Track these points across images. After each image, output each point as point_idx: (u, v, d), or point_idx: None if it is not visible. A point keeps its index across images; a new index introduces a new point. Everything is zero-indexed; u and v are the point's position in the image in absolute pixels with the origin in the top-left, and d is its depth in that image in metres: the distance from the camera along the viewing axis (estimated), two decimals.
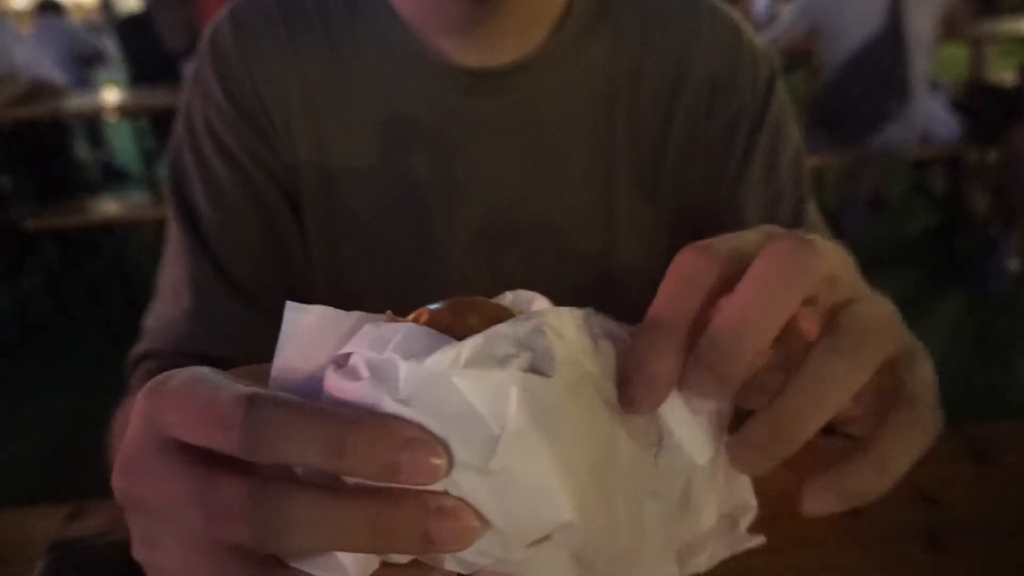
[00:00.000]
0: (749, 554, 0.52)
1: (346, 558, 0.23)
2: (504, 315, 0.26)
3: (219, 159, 0.61)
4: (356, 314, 0.26)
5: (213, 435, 0.23)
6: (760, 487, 0.57)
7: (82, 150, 4.16)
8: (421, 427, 0.22)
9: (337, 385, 0.24)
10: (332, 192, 0.62)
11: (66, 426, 2.25)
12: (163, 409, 0.24)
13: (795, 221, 0.64)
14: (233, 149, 0.61)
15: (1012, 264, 2.74)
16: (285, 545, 0.22)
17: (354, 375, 0.23)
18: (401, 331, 0.23)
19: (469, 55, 0.60)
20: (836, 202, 3.05)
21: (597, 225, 0.64)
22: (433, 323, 0.25)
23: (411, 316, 0.26)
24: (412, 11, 0.60)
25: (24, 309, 3.09)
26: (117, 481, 0.25)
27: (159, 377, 0.25)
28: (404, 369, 0.23)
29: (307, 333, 0.25)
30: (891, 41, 2.59)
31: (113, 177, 4.48)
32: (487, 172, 0.62)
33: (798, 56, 2.92)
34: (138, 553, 0.26)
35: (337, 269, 0.64)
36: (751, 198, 0.63)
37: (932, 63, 2.71)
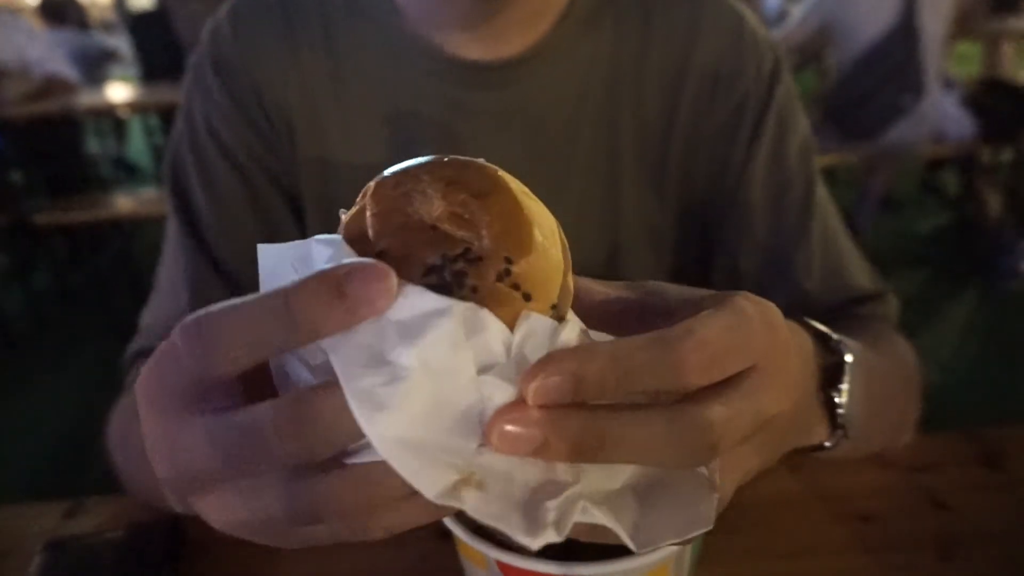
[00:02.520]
0: (757, 561, 0.52)
1: None
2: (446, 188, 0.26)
3: (219, 158, 0.61)
4: (312, 240, 0.27)
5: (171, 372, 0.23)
6: (767, 495, 0.56)
7: (94, 146, 4.18)
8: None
9: None
10: (333, 190, 0.61)
11: (72, 421, 2.25)
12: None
13: (803, 210, 0.63)
14: (232, 148, 0.60)
15: None
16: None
17: None
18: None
19: (471, 48, 0.59)
20: (847, 200, 3.02)
21: (603, 219, 0.63)
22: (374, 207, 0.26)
23: (359, 198, 0.27)
24: (415, 5, 0.59)
25: (33, 304, 3.11)
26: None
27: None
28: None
29: (280, 266, 0.26)
30: (904, 37, 2.57)
31: (124, 172, 4.51)
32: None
33: (809, 54, 2.90)
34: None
35: None
36: (757, 187, 0.62)
37: (946, 60, 2.68)
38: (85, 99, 3.28)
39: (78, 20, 4.34)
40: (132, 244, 3.35)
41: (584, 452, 0.23)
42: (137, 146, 4.71)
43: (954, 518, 0.56)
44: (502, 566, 0.38)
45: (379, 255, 0.24)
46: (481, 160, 0.28)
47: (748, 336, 0.25)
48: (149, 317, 0.63)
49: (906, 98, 2.61)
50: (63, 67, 3.39)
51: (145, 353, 0.62)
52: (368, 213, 0.26)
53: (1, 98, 2.95)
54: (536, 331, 0.24)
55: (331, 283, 0.22)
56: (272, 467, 0.23)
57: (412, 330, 0.22)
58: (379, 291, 0.22)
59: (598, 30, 0.61)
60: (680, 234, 0.65)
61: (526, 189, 0.28)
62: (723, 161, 0.63)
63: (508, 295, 0.24)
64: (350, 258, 0.23)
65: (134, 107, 3.47)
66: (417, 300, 0.22)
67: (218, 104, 0.60)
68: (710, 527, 0.24)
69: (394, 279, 0.22)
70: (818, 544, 0.53)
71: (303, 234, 0.63)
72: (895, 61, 2.58)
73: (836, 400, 0.41)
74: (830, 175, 3.08)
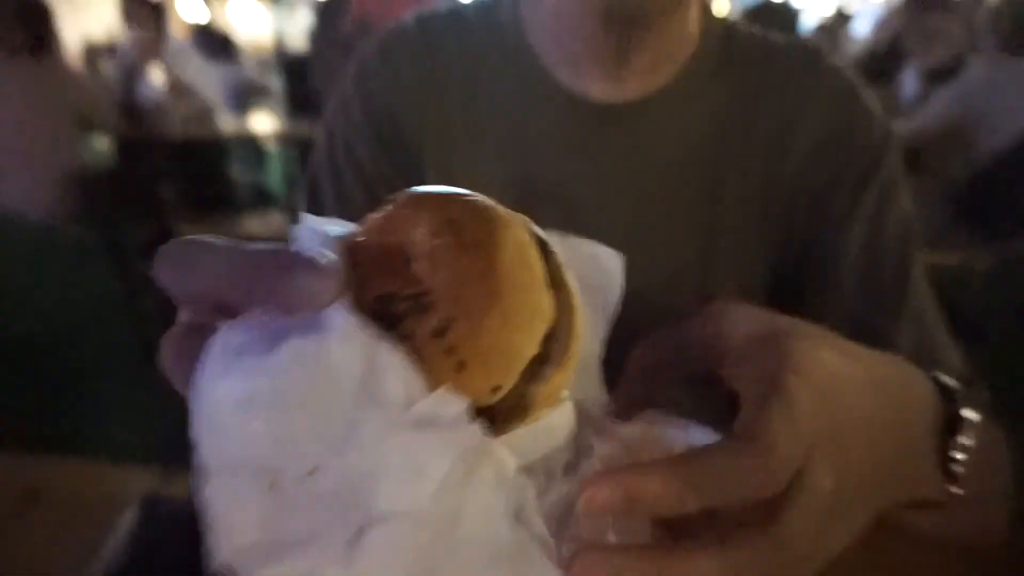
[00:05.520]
0: None
1: None
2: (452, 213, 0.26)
3: (352, 173, 0.65)
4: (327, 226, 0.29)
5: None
6: None
7: (237, 172, 4.52)
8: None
9: None
10: None
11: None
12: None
13: (898, 287, 0.62)
14: (365, 164, 0.65)
15: None
16: None
17: None
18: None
19: (597, 89, 0.61)
20: (981, 307, 2.78)
21: (698, 270, 0.64)
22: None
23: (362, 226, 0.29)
24: (552, 41, 0.62)
25: (164, 310, 3.34)
26: None
27: None
28: None
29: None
30: None
31: (262, 199, 4.84)
32: (606, 203, 0.63)
33: (947, 142, 2.75)
34: None
35: None
36: (851, 255, 0.62)
37: None
38: (234, 127, 3.58)
39: (233, 55, 4.77)
40: None
41: None
42: (275, 176, 5.05)
43: None
44: None
45: (354, 265, 0.25)
46: (501, 210, 0.27)
47: (801, 432, 0.28)
48: None
49: None
50: (217, 98, 3.73)
51: None
52: (369, 223, 0.28)
53: (168, 118, 3.27)
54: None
55: (281, 261, 0.23)
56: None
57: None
58: (320, 286, 0.22)
59: (716, 84, 0.63)
60: (770, 298, 0.64)
61: (559, 262, 0.28)
62: (821, 224, 0.63)
63: (437, 356, 0.24)
64: (321, 248, 0.24)
65: (278, 139, 3.76)
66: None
67: (357, 124, 0.65)
68: None
69: (332, 284, 0.22)
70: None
71: None
72: None
73: (953, 454, 0.38)
74: (961, 279, 2.85)
